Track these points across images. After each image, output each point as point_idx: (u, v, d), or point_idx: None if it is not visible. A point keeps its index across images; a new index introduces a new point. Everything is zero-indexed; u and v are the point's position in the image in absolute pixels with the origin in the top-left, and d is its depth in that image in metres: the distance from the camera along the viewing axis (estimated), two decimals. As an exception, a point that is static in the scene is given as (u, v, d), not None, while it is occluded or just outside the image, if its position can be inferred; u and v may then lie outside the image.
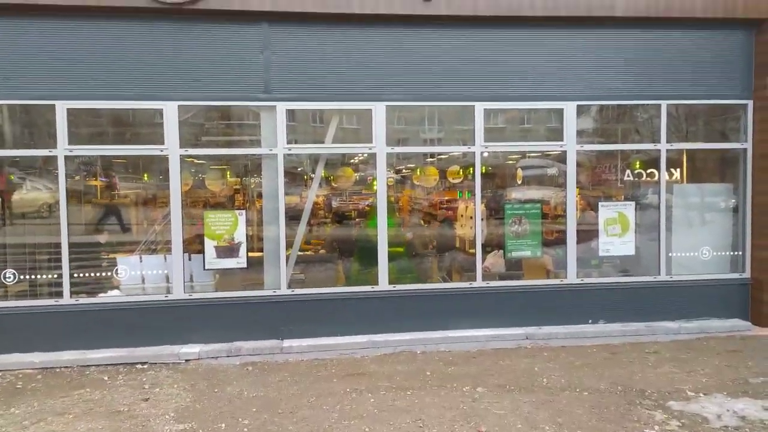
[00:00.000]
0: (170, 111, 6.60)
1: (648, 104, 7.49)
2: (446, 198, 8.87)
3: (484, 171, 7.43)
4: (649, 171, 7.81)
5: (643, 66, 7.31)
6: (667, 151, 7.44)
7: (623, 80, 7.30)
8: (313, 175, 7.52)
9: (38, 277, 6.66)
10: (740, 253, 7.60)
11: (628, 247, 7.41)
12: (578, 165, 7.41)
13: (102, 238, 7.34)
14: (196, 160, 7.60)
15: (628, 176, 8.00)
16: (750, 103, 7.47)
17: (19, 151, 6.84)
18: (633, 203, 7.51)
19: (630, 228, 7.41)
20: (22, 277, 6.59)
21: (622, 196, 7.96)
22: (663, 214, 7.43)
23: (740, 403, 4.96)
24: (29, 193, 7.30)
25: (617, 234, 7.40)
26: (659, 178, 7.46)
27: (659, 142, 7.41)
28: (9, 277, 6.54)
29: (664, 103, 7.36)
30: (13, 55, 6.37)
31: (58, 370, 6.13)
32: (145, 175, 8.07)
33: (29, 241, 6.88)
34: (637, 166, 7.98)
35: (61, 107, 6.42)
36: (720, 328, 7.20)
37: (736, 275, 7.55)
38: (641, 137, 7.81)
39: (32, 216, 7.24)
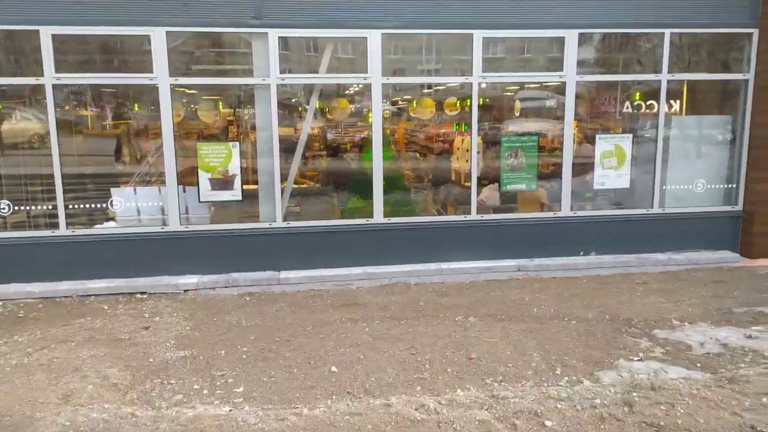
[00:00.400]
0: (158, 37, 6.37)
1: (651, 33, 7.26)
2: (442, 130, 8.77)
3: (481, 103, 7.30)
4: (648, 103, 7.69)
5: (647, -7, 7.04)
6: (668, 81, 7.30)
7: (627, 8, 7.04)
8: (307, 107, 7.38)
9: (33, 208, 6.66)
10: (734, 185, 7.63)
11: (623, 180, 7.42)
12: (577, 97, 7.27)
13: (95, 169, 7.30)
14: (187, 90, 7.43)
15: (627, 108, 7.89)
16: (755, 32, 7.24)
17: (5, 79, 6.63)
18: (630, 136, 7.44)
19: (626, 161, 7.38)
20: (17, 208, 6.59)
21: (620, 129, 7.89)
22: (660, 146, 7.39)
23: (723, 331, 5.13)
24: (19, 123, 7.17)
25: (613, 167, 7.37)
26: (658, 109, 7.36)
27: (661, 72, 7.24)
28: (3, 208, 6.53)
29: (667, 32, 7.14)
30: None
31: (58, 299, 6.26)
32: (136, 106, 7.91)
33: (22, 172, 6.83)
34: (637, 97, 7.85)
35: (46, 32, 6.18)
36: (709, 259, 7.34)
37: (728, 208, 7.61)
38: (643, 67, 7.63)
39: (24, 146, 7.14)
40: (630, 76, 7.72)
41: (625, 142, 7.39)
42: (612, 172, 7.38)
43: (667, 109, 7.44)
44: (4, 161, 6.89)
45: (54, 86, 6.31)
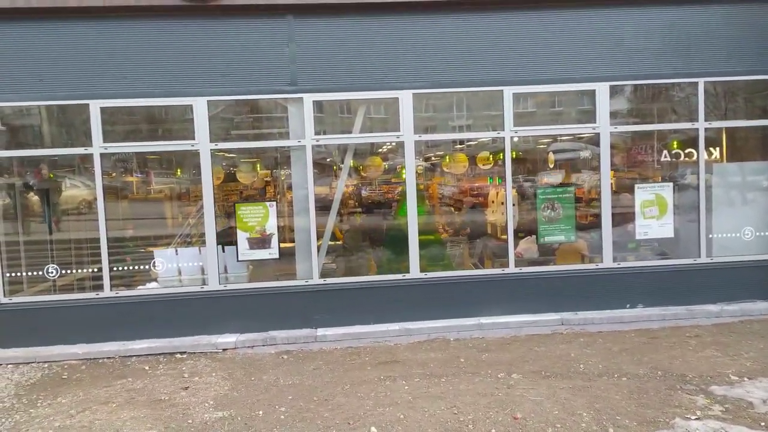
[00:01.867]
0: (200, 106, 6.69)
1: (684, 82, 7.24)
2: (476, 184, 8.79)
3: (514, 156, 7.32)
4: (687, 151, 7.57)
5: (678, 43, 7.08)
6: (706, 129, 7.20)
7: (658, 58, 7.08)
8: (341, 166, 7.54)
9: (79, 271, 6.88)
10: (784, 233, 7.33)
11: (666, 230, 7.22)
12: (612, 147, 7.23)
13: (139, 232, 7.54)
14: (226, 154, 7.71)
15: (665, 157, 7.77)
16: (793, 76, 7.15)
17: (57, 150, 7.07)
18: (671, 184, 7.30)
19: (668, 210, 7.20)
20: (64, 271, 6.82)
21: (659, 177, 7.75)
22: (702, 194, 7.20)
23: (787, 387, 4.80)
24: (69, 191, 7.53)
25: (655, 216, 7.20)
26: (698, 157, 7.23)
27: (697, 120, 7.17)
28: (51, 272, 6.76)
29: (701, 81, 7.11)
30: (48, 57, 6.54)
31: (100, 360, 6.34)
32: (178, 170, 8.23)
33: (70, 237, 7.12)
34: (675, 146, 7.75)
35: (95, 106, 6.58)
36: (764, 310, 6.95)
37: (780, 256, 7.28)
38: (678, 116, 7.56)
39: (73, 212, 7.47)
40: (665, 126, 7.65)
41: (666, 190, 7.24)
42: (654, 222, 7.21)
43: (707, 157, 7.31)
44: (53, 227, 7.20)
45: (102, 155, 6.64)
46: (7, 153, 6.72)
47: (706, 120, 7.17)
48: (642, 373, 5.26)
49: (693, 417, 4.31)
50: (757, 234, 7.38)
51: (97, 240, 6.63)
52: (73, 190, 7.63)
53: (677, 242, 7.37)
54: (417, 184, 7.11)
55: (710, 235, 7.29)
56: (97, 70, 6.59)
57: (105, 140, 6.63)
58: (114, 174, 7.66)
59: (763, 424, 4.16)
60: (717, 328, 6.53)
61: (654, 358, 5.65)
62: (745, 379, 5.01)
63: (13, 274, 6.72)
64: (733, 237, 7.36)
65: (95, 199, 6.64)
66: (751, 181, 7.57)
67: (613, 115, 7.18)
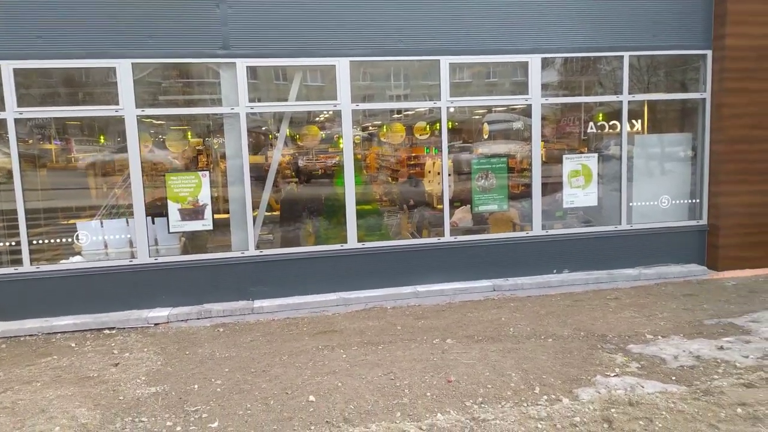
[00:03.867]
0: (124, 69, 6.32)
1: (611, 56, 7.52)
2: (413, 154, 8.85)
3: (450, 126, 7.41)
4: (611, 123, 7.93)
5: (606, 18, 7.31)
6: (629, 102, 7.54)
7: (587, 32, 7.30)
8: (277, 135, 7.37)
9: (-5, 245, 6.46)
10: (698, 200, 7.86)
11: (591, 198, 7.58)
12: (543, 118, 7.45)
13: (60, 203, 7.12)
14: (155, 121, 7.35)
15: (592, 128, 8.10)
16: (709, 53, 7.57)
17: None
18: (596, 155, 7.64)
19: (593, 179, 7.55)
20: (-23, 246, 6.38)
21: (586, 148, 8.08)
22: (624, 164, 7.59)
23: (695, 343, 5.21)
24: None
25: (581, 186, 7.54)
26: (621, 129, 7.58)
27: (621, 93, 7.49)
28: (-37, 247, 6.31)
29: (626, 55, 7.41)
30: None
31: (22, 338, 6.03)
32: (102, 137, 7.78)
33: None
34: (600, 118, 8.08)
35: (7, 67, 6.08)
36: (678, 273, 7.50)
37: (693, 222, 7.83)
38: (604, 89, 7.87)
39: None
40: (592, 98, 7.96)
41: (591, 161, 7.58)
42: (580, 191, 7.55)
43: (629, 129, 7.67)
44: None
45: (16, 120, 6.18)
46: None
47: (629, 93, 7.50)
48: (566, 334, 5.57)
49: (612, 374, 4.62)
50: (674, 202, 7.88)
51: (14, 212, 6.21)
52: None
53: (601, 210, 7.77)
54: (355, 154, 7.08)
55: (631, 204, 7.72)
56: (10, 28, 6.07)
57: (20, 105, 6.16)
58: (31, 141, 7.15)
59: (674, 378, 4.53)
60: (635, 291, 6.99)
61: (578, 319, 5.99)
62: (659, 337, 5.42)
63: None
64: (651, 205, 7.84)
65: (11, 168, 6.18)
66: (669, 152, 8.05)
67: (545, 87, 7.37)
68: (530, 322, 5.94)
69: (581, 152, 7.94)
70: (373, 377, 4.71)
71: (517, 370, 4.73)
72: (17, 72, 6.14)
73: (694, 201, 7.90)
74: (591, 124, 8.08)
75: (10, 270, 6.32)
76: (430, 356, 5.10)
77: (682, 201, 7.92)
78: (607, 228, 7.65)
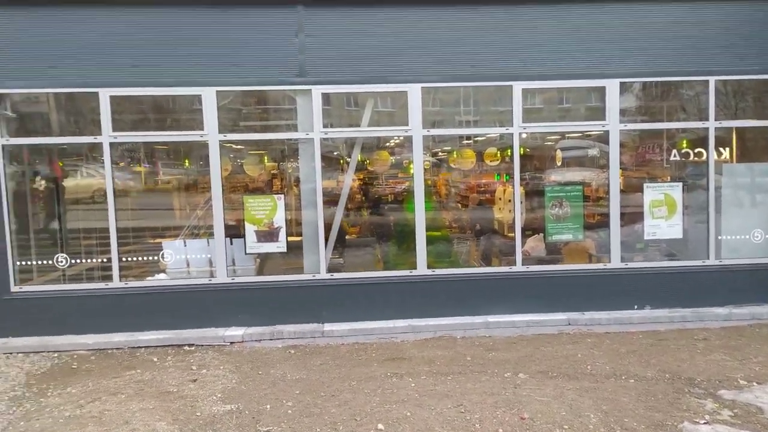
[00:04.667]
0: (208, 96, 6.66)
1: (695, 80, 7.19)
2: (484, 180, 8.76)
3: (522, 153, 7.29)
4: (696, 150, 7.53)
5: (689, 40, 7.02)
6: (716, 129, 7.15)
7: (669, 56, 7.02)
8: (349, 159, 7.52)
9: (89, 261, 6.89)
10: (795, 235, 7.30)
11: (675, 230, 7.20)
12: (621, 145, 7.19)
13: (148, 223, 7.55)
14: (234, 146, 7.69)
15: (675, 156, 7.73)
16: (804, 77, 7.09)
17: (66, 138, 7.05)
18: (680, 184, 7.27)
19: (677, 210, 7.18)
20: (73, 261, 6.83)
21: (669, 177, 7.71)
22: (712, 195, 7.17)
23: (795, 392, 4.80)
24: (78, 180, 7.53)
25: (664, 216, 7.18)
26: (707, 157, 7.19)
27: (707, 119, 7.12)
28: (61, 262, 6.78)
29: (712, 79, 7.06)
30: (57, 45, 6.50)
31: (110, 351, 6.37)
32: (186, 161, 8.22)
33: (79, 226, 7.12)
34: (684, 145, 7.70)
35: (105, 94, 6.55)
36: (773, 313, 6.95)
37: (790, 259, 7.26)
38: (688, 115, 7.52)
39: (83, 202, 7.48)
40: (675, 124, 7.62)
41: (675, 190, 7.22)
42: (663, 222, 7.19)
43: (716, 157, 7.26)
44: (62, 216, 7.21)
45: (111, 144, 6.62)
46: (16, 141, 6.69)
47: (716, 119, 7.12)
48: (650, 375, 5.26)
49: (702, 421, 4.31)
50: (767, 236, 7.35)
51: (107, 230, 6.62)
52: (82, 180, 7.63)
53: (686, 243, 7.35)
54: (425, 180, 7.09)
55: (719, 237, 7.26)
56: (107, 59, 6.56)
57: (114, 129, 6.61)
58: (122, 164, 7.65)
59: (771, 429, 4.17)
60: (725, 332, 6.52)
61: (662, 360, 5.65)
62: (755, 383, 5.01)
63: (24, 263, 6.73)
64: (742, 239, 7.34)
65: (105, 188, 6.62)
66: (760, 183, 7.54)
67: (623, 112, 7.13)
68: (609, 360, 5.66)
69: (663, 181, 7.58)
70: (442, 409, 4.62)
71: (596, 412, 4.50)
72: (113, 99, 6.60)
73: (790, 235, 7.34)
74: (674, 151, 7.71)
75: (101, 285, 6.72)
76: (501, 390, 4.96)
77: (776, 235, 7.37)
78: (693, 262, 7.21)
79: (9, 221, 6.56)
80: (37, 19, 6.46)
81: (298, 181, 7.32)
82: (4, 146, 6.52)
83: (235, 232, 6.98)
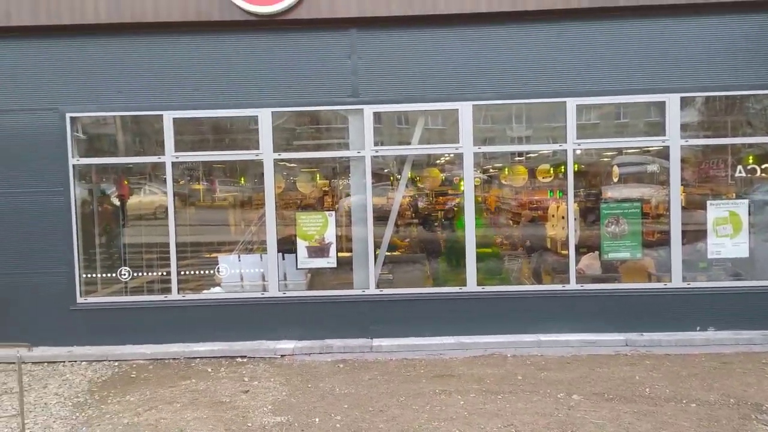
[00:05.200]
0: (264, 117, 6.90)
1: (761, 94, 6.87)
2: (536, 197, 8.62)
3: (576, 169, 7.14)
4: (763, 166, 7.18)
5: (754, 53, 6.74)
6: (785, 143, 6.79)
7: (731, 69, 6.76)
8: (399, 176, 7.58)
9: (149, 274, 7.21)
10: None
11: (740, 249, 6.84)
12: (682, 161, 6.93)
13: (205, 238, 7.83)
14: (288, 164, 7.90)
15: (740, 172, 7.37)
16: None
17: (132, 158, 7.48)
18: (746, 201, 6.92)
19: (743, 228, 6.83)
20: (136, 274, 7.16)
21: (734, 194, 7.35)
22: (781, 212, 6.79)
23: None
24: (141, 197, 7.93)
25: (728, 235, 6.84)
26: (776, 173, 6.82)
27: (775, 134, 6.78)
28: (124, 275, 7.12)
29: (779, 92, 6.73)
30: (125, 70, 6.91)
31: (166, 361, 6.60)
32: (242, 179, 8.51)
33: (141, 241, 7.48)
34: (750, 160, 7.35)
35: (168, 117, 6.90)
36: None
37: None
38: (754, 130, 7.18)
39: (144, 218, 7.86)
40: (741, 140, 7.28)
41: (741, 208, 6.87)
42: (728, 240, 6.84)
43: (785, 172, 6.89)
44: (126, 231, 7.60)
45: (173, 163, 6.95)
46: (86, 161, 7.12)
47: (784, 133, 6.77)
48: (713, 399, 4.98)
49: (771, 451, 4.05)
50: (842, 256, 6.87)
51: (167, 245, 6.92)
52: (144, 197, 8.03)
53: (752, 263, 6.97)
54: (475, 196, 7.05)
55: (789, 256, 6.85)
56: (171, 83, 6.92)
57: (177, 149, 6.93)
58: (182, 182, 8.00)
59: None
60: (797, 356, 6.11)
61: (726, 384, 5.34)
62: (830, 412, 4.67)
63: (89, 276, 7.11)
64: (814, 258, 6.89)
65: (166, 205, 6.93)
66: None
67: (684, 127, 6.89)
68: (669, 383, 5.39)
69: (728, 198, 7.23)
70: (491, 428, 4.53)
71: (655, 436, 4.30)
72: (176, 121, 6.94)
73: None
74: (739, 167, 7.35)
75: (161, 297, 7.01)
76: (554, 411, 4.81)
77: None
78: (761, 283, 6.81)
79: (77, 236, 6.95)
80: (107, 45, 6.89)
81: (348, 197, 7.42)
82: (74, 166, 6.95)
83: (287, 247, 7.14)
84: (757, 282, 6.86)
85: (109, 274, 7.16)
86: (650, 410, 4.79)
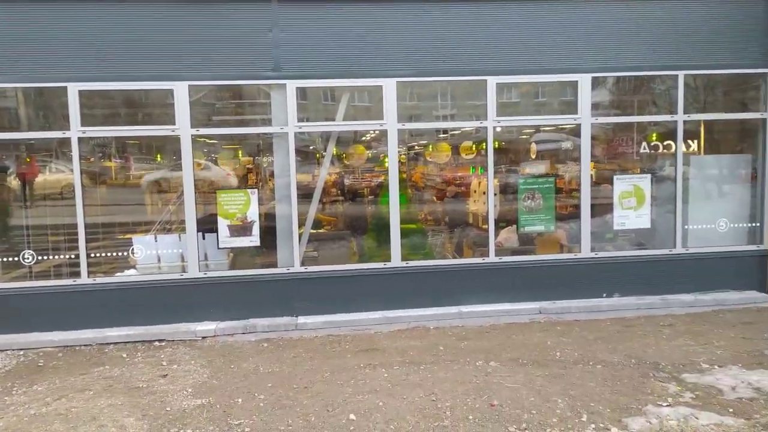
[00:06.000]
0: (181, 91, 6.60)
1: (665, 75, 7.32)
2: (459, 174, 8.82)
3: (497, 146, 7.36)
4: (666, 143, 7.69)
5: (659, 36, 7.14)
6: (685, 122, 7.29)
7: (639, 51, 7.14)
8: (324, 153, 7.51)
9: (56, 257, 6.78)
10: (758, 224, 7.48)
11: (643, 220, 7.34)
12: (593, 138, 7.30)
13: (118, 218, 7.45)
14: (208, 140, 7.63)
15: (644, 149, 7.88)
16: (769, 71, 7.27)
17: (34, 133, 6.95)
18: (649, 176, 7.40)
19: (646, 201, 7.31)
20: (40, 257, 6.72)
21: (638, 169, 7.85)
22: (680, 186, 7.32)
23: (755, 374, 4.93)
24: (46, 175, 7.41)
25: (632, 207, 7.31)
26: (676, 150, 7.33)
27: (676, 113, 7.26)
28: (27, 258, 6.66)
29: (681, 74, 7.19)
30: (24, 39, 6.37)
31: (77, 348, 6.28)
32: (158, 156, 8.13)
33: (46, 222, 7.00)
34: (654, 138, 7.85)
35: (73, 89, 6.45)
36: (736, 300, 7.12)
37: (753, 247, 7.44)
38: (658, 109, 7.65)
39: (50, 197, 7.35)
40: (645, 118, 7.74)
41: (644, 182, 7.34)
42: (632, 213, 7.31)
43: (685, 149, 7.41)
44: (29, 212, 7.09)
45: (80, 139, 6.52)
46: (-16, 136, 6.55)
47: (685, 113, 7.26)
48: (616, 360, 5.37)
49: (665, 404, 4.42)
50: (732, 225, 7.53)
51: (75, 226, 6.52)
52: (49, 175, 7.50)
53: (654, 233, 7.50)
54: (400, 173, 7.12)
55: (686, 226, 7.42)
56: (76, 53, 6.44)
57: (83, 124, 6.51)
58: (92, 159, 7.54)
59: (731, 410, 4.28)
60: (690, 318, 6.67)
61: (628, 346, 5.76)
62: (716, 367, 5.14)
63: (-12, 260, 6.61)
64: (708, 228, 7.51)
65: (73, 184, 6.52)
66: (727, 174, 7.72)
67: (595, 106, 7.24)
68: (578, 347, 5.76)
69: (633, 173, 7.71)
70: (414, 398, 4.66)
71: (564, 397, 4.58)
72: (82, 93, 6.50)
73: (754, 225, 7.52)
74: (644, 144, 7.85)
75: (69, 282, 6.62)
76: (473, 378, 5.01)
77: (741, 225, 7.55)
78: (660, 251, 7.37)
79: (-27, 217, 6.43)
80: (3, 12, 6.32)
81: (272, 175, 7.28)
82: (-32, 141, 6.38)
83: (208, 227, 6.92)
84: (657, 251, 7.39)
85: (11, 258, 6.67)
86: (560, 373, 5.10)
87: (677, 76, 7.20)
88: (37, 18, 6.38)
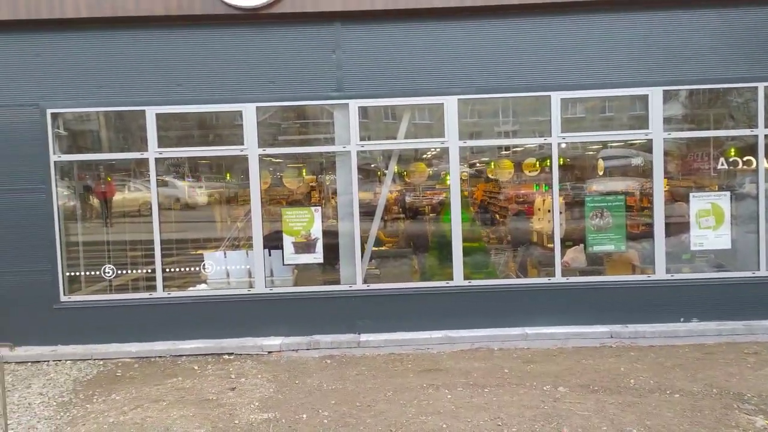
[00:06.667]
0: (249, 112, 6.84)
1: (743, 87, 6.94)
2: (522, 191, 8.66)
3: (561, 163, 7.17)
4: (745, 158, 7.25)
5: (736, 46, 6.79)
6: (766, 136, 6.86)
7: (715, 62, 6.81)
8: (386, 171, 7.56)
9: (134, 271, 7.14)
10: None
11: (723, 241, 6.92)
12: (666, 154, 6.99)
13: (190, 235, 7.78)
14: (273, 159, 7.86)
15: (722, 164, 7.45)
16: None
17: (114, 154, 7.38)
18: (728, 193, 7.00)
19: (725, 220, 6.91)
20: (120, 272, 7.09)
21: (716, 186, 7.44)
22: (762, 204, 6.86)
23: None
24: (125, 194, 7.84)
25: (711, 227, 6.92)
26: (757, 165, 6.90)
27: (756, 127, 6.85)
28: (108, 272, 7.04)
29: (761, 85, 6.79)
30: (107, 66, 6.81)
31: (152, 359, 6.55)
32: (227, 175, 8.45)
33: (126, 238, 7.40)
34: (732, 153, 7.42)
35: (151, 112, 6.82)
36: (831, 328, 6.57)
37: None
38: (736, 122, 7.25)
39: (133, 215, 7.78)
40: (722, 132, 7.34)
41: (723, 200, 6.95)
42: (710, 232, 6.92)
43: (767, 165, 6.96)
44: (109, 229, 7.51)
45: (157, 159, 6.88)
46: (67, 157, 7.02)
47: (766, 126, 6.84)
48: (696, 390, 5.05)
49: (752, 439, 4.12)
50: (822, 247, 6.98)
51: (151, 242, 6.86)
52: (128, 194, 7.94)
53: (735, 254, 7.05)
54: (462, 191, 7.06)
55: (771, 247, 6.94)
56: (153, 78, 6.83)
57: (160, 145, 6.86)
58: (167, 178, 7.91)
59: (829, 449, 3.94)
60: (778, 345, 6.22)
61: (709, 374, 5.42)
62: (810, 400, 4.76)
63: (73, 274, 7.02)
64: (795, 249, 6.99)
65: (150, 202, 6.86)
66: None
67: (667, 120, 6.94)
68: (654, 375, 5.47)
69: (711, 190, 7.32)
70: (479, 421, 4.56)
71: (639, 427, 4.35)
72: (159, 116, 6.86)
73: None
74: (721, 159, 7.43)
75: (146, 295, 6.95)
76: (540, 404, 4.85)
77: (832, 246, 6.99)
78: (742, 274, 6.91)
79: (60, 233, 6.86)
80: (87, 40, 6.78)
81: (335, 193, 7.40)
82: (56, 162, 6.85)
83: (273, 243, 7.10)
84: (739, 273, 6.94)
85: (92, 272, 7.08)
86: (635, 401, 4.85)
87: (756, 88, 6.81)
88: (116, 45, 6.80)
